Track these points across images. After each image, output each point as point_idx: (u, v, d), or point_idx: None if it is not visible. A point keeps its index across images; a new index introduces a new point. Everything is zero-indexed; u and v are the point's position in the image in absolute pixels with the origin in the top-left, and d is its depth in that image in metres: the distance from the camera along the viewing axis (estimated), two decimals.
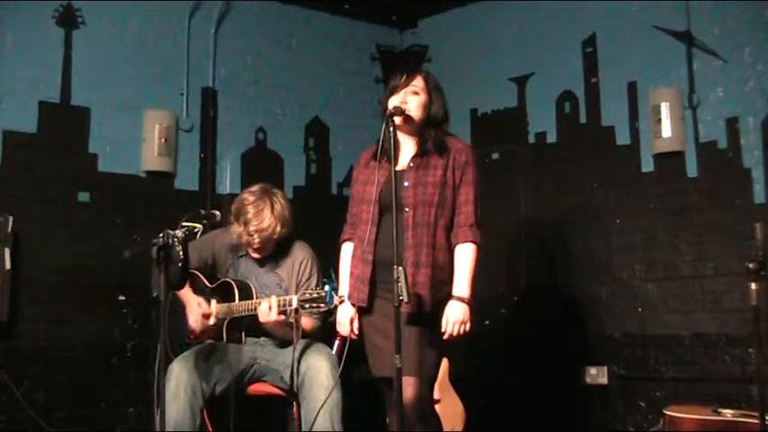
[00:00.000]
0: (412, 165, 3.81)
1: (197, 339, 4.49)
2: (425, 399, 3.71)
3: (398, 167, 3.79)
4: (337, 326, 3.89)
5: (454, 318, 3.68)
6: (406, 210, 3.71)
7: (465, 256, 3.77)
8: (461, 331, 3.69)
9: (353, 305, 3.81)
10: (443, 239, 3.78)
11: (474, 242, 3.78)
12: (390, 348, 3.46)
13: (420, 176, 3.77)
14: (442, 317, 3.70)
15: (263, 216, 4.40)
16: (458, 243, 3.79)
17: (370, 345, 3.82)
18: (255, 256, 4.57)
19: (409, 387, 3.60)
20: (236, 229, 4.47)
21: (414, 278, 3.65)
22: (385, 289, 3.65)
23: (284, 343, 4.41)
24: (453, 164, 3.82)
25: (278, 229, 4.44)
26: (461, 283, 3.74)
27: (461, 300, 3.71)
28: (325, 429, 4.08)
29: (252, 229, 4.39)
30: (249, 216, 4.40)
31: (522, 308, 6.06)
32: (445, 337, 3.70)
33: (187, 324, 4.51)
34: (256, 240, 4.44)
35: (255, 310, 4.25)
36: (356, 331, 3.83)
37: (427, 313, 3.67)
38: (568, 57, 6.08)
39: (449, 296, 3.73)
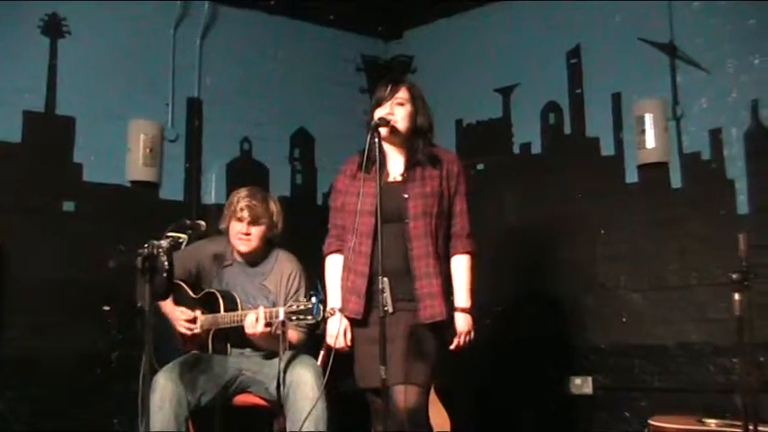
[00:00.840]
0: (406, 176, 3.85)
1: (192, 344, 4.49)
2: (423, 407, 3.75)
3: (390, 179, 3.85)
4: (328, 338, 3.89)
5: (461, 329, 3.80)
6: (406, 221, 3.76)
7: (464, 267, 3.89)
8: (468, 341, 3.82)
9: (347, 317, 3.81)
10: (444, 249, 3.85)
11: (471, 252, 3.89)
12: (390, 357, 3.49)
13: (418, 187, 3.81)
14: (445, 327, 3.78)
15: (256, 199, 4.48)
16: (456, 253, 3.89)
17: (363, 355, 3.81)
18: (243, 249, 4.54)
19: (410, 394, 3.65)
20: (225, 220, 4.54)
21: (427, 289, 3.72)
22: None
23: (270, 354, 4.41)
24: (447, 174, 3.89)
25: (268, 213, 4.50)
26: (463, 294, 3.86)
27: (464, 310, 3.83)
28: None
29: (243, 204, 4.43)
30: (242, 196, 4.49)
31: (506, 318, 6.07)
32: (452, 347, 3.81)
33: (175, 334, 4.52)
34: (246, 216, 4.43)
35: (242, 321, 4.24)
36: (349, 343, 3.84)
37: (440, 322, 3.74)
38: (553, 68, 6.10)
39: (452, 306, 3.81)
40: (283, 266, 4.59)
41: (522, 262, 6.14)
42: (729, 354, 5.02)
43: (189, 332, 4.47)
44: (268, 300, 4.50)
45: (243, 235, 4.49)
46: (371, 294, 3.73)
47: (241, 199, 4.48)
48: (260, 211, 4.47)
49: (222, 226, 4.59)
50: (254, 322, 4.17)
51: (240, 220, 4.46)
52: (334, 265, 3.98)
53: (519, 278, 6.13)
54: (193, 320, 4.46)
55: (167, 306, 4.50)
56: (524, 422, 5.82)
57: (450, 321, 3.80)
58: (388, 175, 3.86)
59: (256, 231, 4.50)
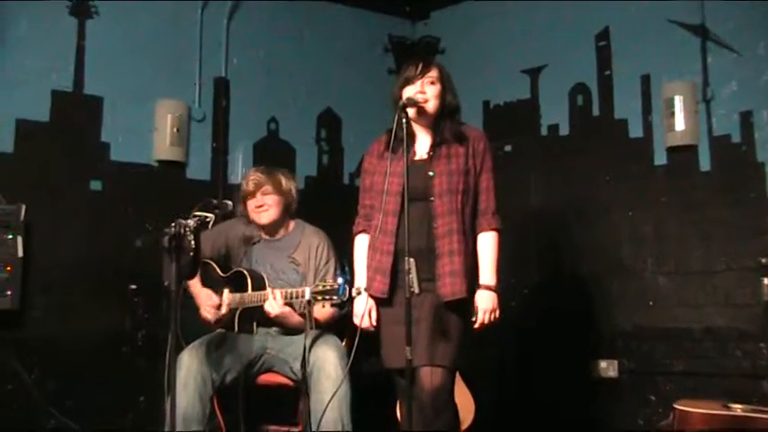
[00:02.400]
0: (432, 154, 3.84)
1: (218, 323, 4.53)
2: (448, 388, 3.73)
3: (417, 157, 3.87)
4: (354, 318, 3.89)
5: (484, 306, 3.76)
6: (432, 198, 3.76)
7: (490, 244, 3.86)
8: (492, 319, 3.78)
9: (372, 296, 3.81)
10: (470, 226, 3.84)
11: (497, 230, 3.87)
12: (415, 338, 3.54)
13: (444, 165, 3.81)
14: (471, 305, 3.76)
15: (259, 171, 4.66)
16: (482, 231, 3.87)
17: (388, 336, 3.81)
18: (264, 220, 4.59)
19: (435, 376, 3.65)
20: (242, 204, 4.65)
21: (449, 267, 3.71)
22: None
23: (295, 333, 4.42)
24: (473, 151, 3.88)
25: (273, 180, 4.59)
26: (488, 272, 3.82)
27: (489, 288, 3.80)
28: (333, 420, 4.09)
29: (248, 179, 4.59)
30: (251, 171, 4.69)
31: (532, 301, 6.06)
32: (476, 326, 3.78)
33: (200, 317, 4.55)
34: (252, 187, 4.57)
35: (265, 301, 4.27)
36: (374, 323, 3.83)
37: (463, 301, 3.72)
38: (582, 49, 6.05)
39: (477, 285, 3.79)
40: (311, 239, 4.63)
41: (549, 244, 6.12)
42: (756, 339, 4.99)
43: (212, 318, 4.49)
44: (298, 273, 4.54)
45: (258, 207, 4.58)
46: (397, 273, 3.74)
47: (252, 174, 4.65)
48: (264, 179, 4.60)
49: (241, 210, 4.67)
50: (272, 302, 4.20)
51: (251, 195, 4.57)
52: (361, 245, 3.99)
53: (545, 260, 6.11)
54: (218, 306, 4.48)
55: (195, 287, 4.54)
56: (549, 405, 5.81)
57: (473, 300, 3.79)
58: (414, 153, 3.87)
59: (270, 200, 4.59)
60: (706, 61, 5.42)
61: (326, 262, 4.57)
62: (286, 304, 4.21)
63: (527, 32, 6.39)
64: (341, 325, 4.53)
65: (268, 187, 4.58)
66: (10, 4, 5.28)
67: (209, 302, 4.49)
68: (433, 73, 3.86)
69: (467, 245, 3.78)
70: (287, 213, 4.67)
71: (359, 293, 3.83)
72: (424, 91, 3.81)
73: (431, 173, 3.79)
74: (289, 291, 4.20)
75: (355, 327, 3.87)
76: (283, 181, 4.66)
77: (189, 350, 4.23)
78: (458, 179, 3.78)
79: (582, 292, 5.83)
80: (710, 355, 5.23)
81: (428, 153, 3.86)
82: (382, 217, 3.75)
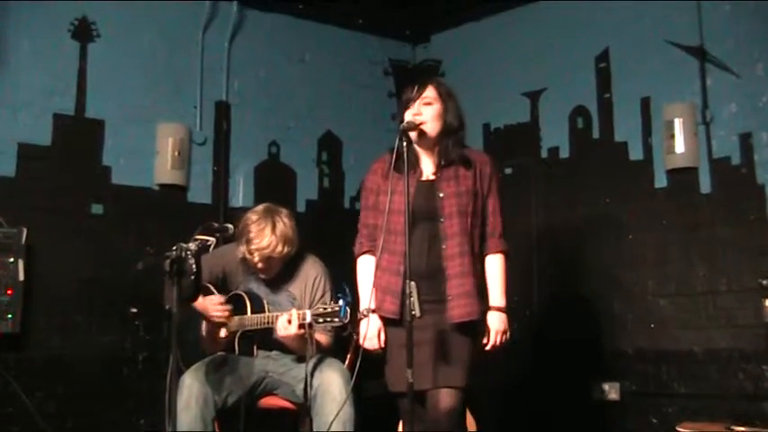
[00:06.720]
0: (440, 174, 3.83)
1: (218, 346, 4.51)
2: (458, 410, 3.72)
3: (424, 177, 3.84)
4: (362, 339, 3.83)
5: (497, 328, 3.78)
6: (441, 220, 3.75)
7: (498, 267, 3.88)
8: (503, 340, 3.80)
9: (381, 318, 3.79)
10: (478, 249, 3.84)
11: (504, 252, 3.88)
12: (423, 360, 3.55)
13: (453, 186, 3.79)
14: (479, 326, 3.77)
15: (263, 235, 4.37)
16: (488, 253, 3.87)
17: (394, 359, 3.77)
18: (262, 276, 4.56)
19: (445, 397, 3.65)
20: (241, 248, 4.46)
21: (461, 288, 3.70)
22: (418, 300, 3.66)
23: (296, 356, 4.41)
24: (480, 174, 3.86)
25: (279, 248, 4.39)
26: (497, 293, 3.84)
27: (499, 309, 3.82)
28: None
29: (252, 247, 4.37)
30: (251, 235, 4.38)
31: (533, 322, 6.05)
32: (488, 347, 3.79)
33: (202, 337, 4.52)
34: (257, 259, 4.40)
35: (269, 323, 4.24)
36: (383, 345, 3.81)
37: (476, 322, 3.72)
38: (581, 72, 6.07)
39: (487, 306, 3.80)
40: (308, 272, 4.58)
41: (550, 266, 6.11)
42: (759, 360, 4.98)
43: (224, 316, 4.45)
44: (293, 305, 4.48)
45: (258, 270, 4.51)
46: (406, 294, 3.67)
47: (250, 240, 4.38)
48: (269, 249, 4.37)
49: (239, 252, 4.52)
50: (286, 324, 4.14)
51: (251, 254, 4.41)
52: (366, 266, 3.93)
53: (546, 283, 6.10)
54: (223, 303, 4.45)
55: (200, 301, 4.49)
56: (551, 428, 5.79)
57: (482, 321, 3.78)
58: (421, 173, 3.85)
59: (273, 262, 4.48)
60: (705, 83, 5.43)
61: (323, 294, 4.51)
62: (299, 326, 4.15)
63: (527, 55, 6.42)
64: (342, 347, 4.52)
65: (273, 258, 4.44)
66: (12, 26, 5.31)
67: (214, 302, 4.45)
68: (430, 93, 3.81)
69: (476, 267, 3.79)
70: (283, 259, 4.57)
71: (366, 315, 3.76)
72: (419, 113, 3.76)
73: (440, 194, 3.78)
74: (291, 314, 4.17)
75: (358, 349, 3.85)
76: (288, 239, 4.42)
77: (190, 372, 4.21)
78: (467, 200, 3.78)
79: (583, 315, 5.82)
80: (713, 377, 5.21)
81: (435, 174, 3.84)
82: (388, 236, 3.72)
